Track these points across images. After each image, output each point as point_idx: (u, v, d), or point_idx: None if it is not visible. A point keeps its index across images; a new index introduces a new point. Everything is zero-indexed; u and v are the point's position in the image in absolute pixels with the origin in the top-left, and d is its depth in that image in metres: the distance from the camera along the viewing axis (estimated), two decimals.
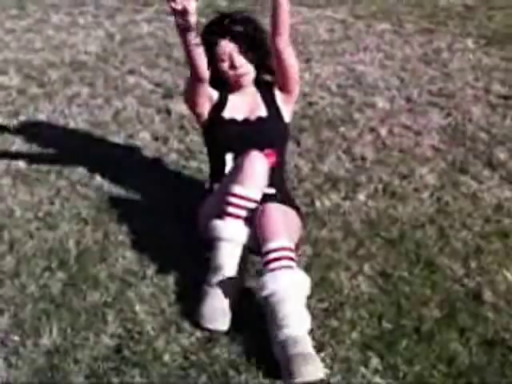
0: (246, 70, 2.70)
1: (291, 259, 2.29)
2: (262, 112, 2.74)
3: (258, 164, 2.45)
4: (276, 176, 2.67)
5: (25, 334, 2.23)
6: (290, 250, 2.31)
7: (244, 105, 2.76)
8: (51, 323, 2.28)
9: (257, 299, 2.28)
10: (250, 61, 2.70)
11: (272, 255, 2.27)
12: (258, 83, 2.80)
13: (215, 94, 2.76)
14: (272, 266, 2.26)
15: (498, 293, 2.45)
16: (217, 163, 2.73)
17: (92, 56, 4.92)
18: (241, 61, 2.68)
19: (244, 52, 2.67)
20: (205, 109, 2.75)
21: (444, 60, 4.91)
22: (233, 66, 2.68)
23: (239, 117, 2.73)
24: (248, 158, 2.46)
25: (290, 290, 2.20)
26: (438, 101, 4.17)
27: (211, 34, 2.67)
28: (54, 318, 2.30)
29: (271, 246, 2.29)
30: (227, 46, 2.66)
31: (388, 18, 6.00)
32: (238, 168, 2.48)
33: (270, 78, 2.82)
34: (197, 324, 2.27)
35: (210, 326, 2.25)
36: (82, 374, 2.08)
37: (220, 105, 2.75)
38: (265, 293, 2.21)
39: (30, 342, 2.20)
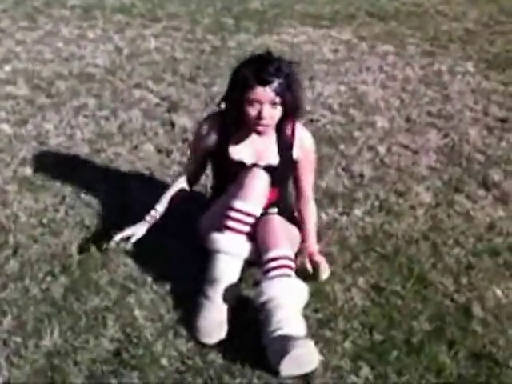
0: (271, 122, 2.55)
1: (290, 268, 2.36)
2: (273, 160, 2.66)
3: (258, 180, 2.51)
4: (279, 202, 2.73)
5: (27, 336, 2.29)
6: (288, 258, 2.38)
7: (255, 148, 2.66)
8: (52, 326, 2.33)
9: (252, 307, 2.34)
10: (278, 114, 2.54)
11: (271, 264, 2.35)
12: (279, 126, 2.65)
13: (216, 130, 2.66)
14: (271, 274, 2.33)
15: (487, 308, 2.52)
16: (219, 186, 2.77)
17: (100, 69, 5.02)
18: (270, 113, 2.51)
19: (276, 105, 2.51)
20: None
21: (444, 82, 5.01)
22: (259, 116, 2.51)
23: (248, 160, 2.65)
24: (249, 173, 2.51)
25: (286, 296, 2.26)
26: (436, 122, 4.27)
27: (251, 74, 2.47)
28: (56, 321, 2.36)
29: (270, 255, 2.36)
30: (263, 95, 2.47)
31: (391, 39, 6.11)
32: (239, 183, 2.52)
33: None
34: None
35: (206, 341, 2.29)
36: (81, 376, 2.14)
37: (224, 141, 2.65)
38: (261, 299, 2.27)
39: (31, 343, 2.26)
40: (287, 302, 2.26)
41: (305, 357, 2.13)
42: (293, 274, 2.36)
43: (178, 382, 2.14)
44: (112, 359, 2.22)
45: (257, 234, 2.46)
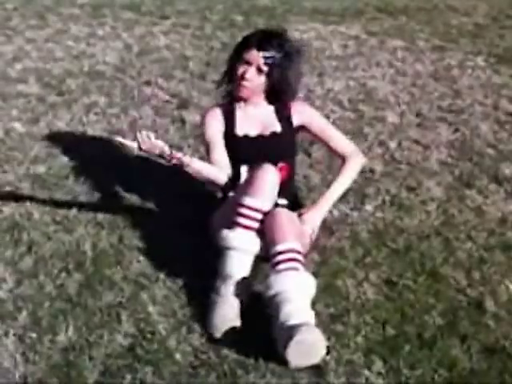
0: (250, 86, 2.71)
1: (298, 261, 2.36)
2: (276, 127, 2.78)
3: (268, 176, 2.52)
4: (288, 187, 2.76)
5: (42, 332, 2.31)
6: (296, 252, 2.38)
7: (256, 120, 2.79)
8: (67, 321, 2.36)
9: (264, 301, 2.35)
10: (260, 83, 2.71)
11: (279, 257, 2.36)
12: (273, 97, 2.79)
13: (219, 115, 2.81)
14: (278, 267, 2.34)
15: (500, 302, 2.52)
16: (232, 174, 2.78)
17: (110, 66, 5.03)
18: (252, 77, 2.69)
19: (261, 73, 2.68)
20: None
21: (454, 77, 5.00)
22: (242, 76, 2.68)
23: (253, 132, 2.77)
24: (259, 170, 2.53)
25: (294, 290, 2.27)
26: (447, 116, 4.26)
27: (255, 38, 2.68)
28: (70, 317, 2.38)
29: (278, 248, 2.37)
30: (253, 58, 2.66)
31: (400, 34, 6.09)
32: (249, 180, 2.55)
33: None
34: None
35: (220, 336, 2.30)
36: (96, 371, 2.16)
37: (229, 122, 2.79)
38: (269, 293, 2.29)
39: (46, 338, 2.28)
40: (295, 295, 2.27)
41: (310, 342, 2.13)
42: (301, 266, 2.36)
43: (192, 377, 2.15)
44: (126, 354, 2.23)
45: (265, 228, 2.47)
